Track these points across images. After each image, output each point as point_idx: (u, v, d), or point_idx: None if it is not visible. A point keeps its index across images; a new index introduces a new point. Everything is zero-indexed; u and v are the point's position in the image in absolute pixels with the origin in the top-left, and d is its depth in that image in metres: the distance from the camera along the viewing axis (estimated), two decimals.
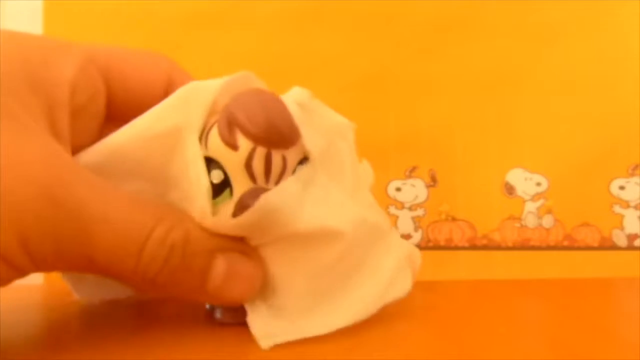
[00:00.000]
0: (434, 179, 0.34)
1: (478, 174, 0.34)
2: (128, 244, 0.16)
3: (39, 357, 0.17)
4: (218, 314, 0.20)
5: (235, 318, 0.19)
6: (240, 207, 0.17)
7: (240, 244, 0.18)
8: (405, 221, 0.34)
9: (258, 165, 0.17)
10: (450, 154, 0.34)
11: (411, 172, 0.34)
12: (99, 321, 0.21)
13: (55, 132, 0.17)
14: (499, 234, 0.34)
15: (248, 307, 0.18)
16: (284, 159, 0.17)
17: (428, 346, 0.18)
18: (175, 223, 0.17)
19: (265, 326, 0.18)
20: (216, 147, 0.17)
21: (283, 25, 0.35)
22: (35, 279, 0.28)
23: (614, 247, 0.34)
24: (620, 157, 0.34)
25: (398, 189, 0.34)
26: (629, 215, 0.34)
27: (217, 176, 0.17)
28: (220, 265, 0.17)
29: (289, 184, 0.17)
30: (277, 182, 0.18)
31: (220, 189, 0.17)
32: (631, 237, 0.34)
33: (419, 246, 0.34)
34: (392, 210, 0.34)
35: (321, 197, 0.18)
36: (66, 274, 0.21)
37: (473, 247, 0.34)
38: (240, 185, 0.17)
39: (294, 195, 0.17)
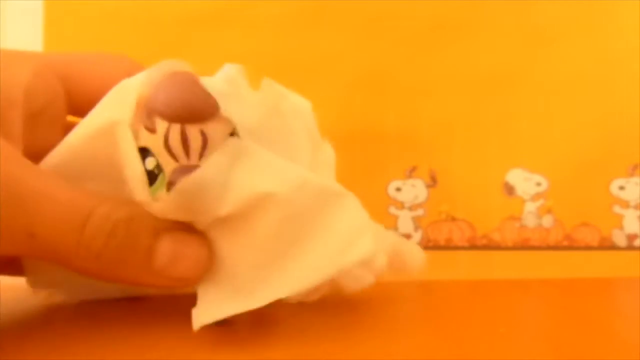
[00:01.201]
0: (433, 179, 0.34)
1: (478, 174, 0.34)
2: (71, 217, 0.16)
3: (39, 357, 0.17)
4: None
5: None
6: (169, 187, 0.17)
7: (186, 225, 0.18)
8: (405, 221, 0.34)
9: (175, 142, 0.17)
10: (450, 154, 0.34)
11: (411, 172, 0.34)
12: (99, 321, 0.21)
13: (4, 132, 0.17)
14: (499, 233, 0.34)
15: (198, 292, 0.18)
16: (203, 134, 0.17)
17: (428, 346, 0.18)
18: (118, 204, 0.17)
19: (206, 307, 0.18)
20: (143, 135, 0.18)
21: (283, 25, 0.35)
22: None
23: (614, 247, 0.34)
24: (620, 157, 0.34)
25: (398, 189, 0.34)
26: (629, 215, 0.34)
27: (150, 163, 0.17)
28: (165, 244, 0.17)
29: (213, 159, 0.17)
30: (200, 157, 0.18)
31: (156, 175, 0.17)
32: (631, 237, 0.34)
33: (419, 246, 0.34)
34: (392, 210, 0.34)
35: (252, 166, 0.18)
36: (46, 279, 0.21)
37: (473, 247, 0.34)
38: (167, 166, 0.17)
39: (220, 170, 0.17)
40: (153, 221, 0.17)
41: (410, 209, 0.34)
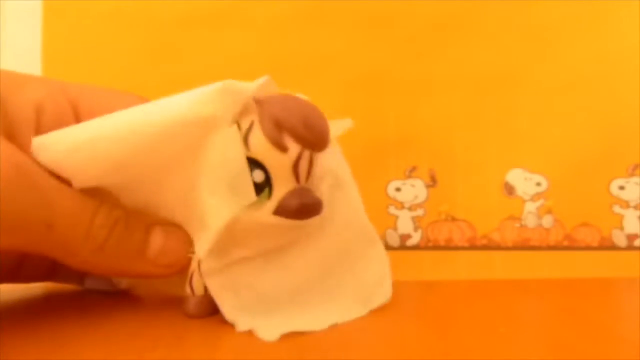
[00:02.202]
0: (433, 179, 0.34)
1: (478, 174, 0.34)
2: (83, 210, 0.18)
3: (39, 356, 0.17)
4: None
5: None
6: (284, 206, 0.18)
7: (172, 222, 0.20)
8: (405, 221, 0.34)
9: (304, 166, 0.18)
10: (450, 154, 0.34)
11: (411, 172, 0.34)
12: (99, 320, 0.20)
13: (18, 146, 0.18)
14: (499, 234, 0.34)
15: (235, 308, 0.19)
16: (318, 161, 0.19)
17: (428, 346, 0.18)
18: (115, 206, 0.19)
19: (266, 321, 0.19)
20: (261, 148, 0.18)
21: (283, 25, 0.35)
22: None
23: (614, 247, 0.34)
24: (620, 157, 0.34)
25: (398, 189, 0.34)
26: (629, 215, 0.34)
27: (258, 176, 0.18)
28: (157, 235, 0.19)
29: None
30: (307, 180, 0.19)
31: (259, 189, 0.18)
32: (631, 237, 0.34)
33: (419, 246, 0.34)
34: (392, 210, 0.34)
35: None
36: None
37: (473, 247, 0.34)
38: (284, 185, 0.18)
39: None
40: (144, 218, 0.19)
41: (410, 209, 0.34)
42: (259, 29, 0.35)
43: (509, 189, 0.34)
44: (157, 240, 0.19)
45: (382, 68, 0.35)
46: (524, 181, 0.34)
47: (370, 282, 0.21)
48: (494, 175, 0.34)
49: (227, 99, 0.18)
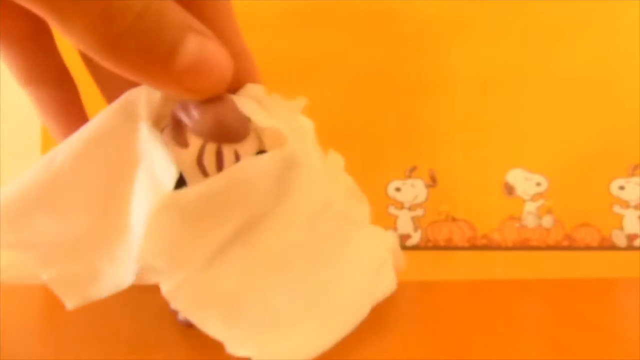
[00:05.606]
0: (433, 179, 0.34)
1: (478, 174, 0.34)
2: None
3: (39, 356, 0.17)
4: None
5: None
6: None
7: (213, 34, 0.16)
8: (405, 221, 0.34)
9: (209, 160, 0.17)
10: (450, 154, 0.34)
11: (411, 172, 0.34)
12: (98, 322, 0.20)
13: None
14: (499, 234, 0.34)
15: (219, 324, 0.17)
16: (237, 154, 0.18)
17: (428, 346, 0.18)
18: None
19: (258, 342, 0.17)
20: (169, 147, 0.17)
21: (283, 24, 0.35)
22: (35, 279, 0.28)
23: (614, 247, 0.34)
24: (620, 157, 0.34)
25: (398, 189, 0.34)
26: (629, 216, 0.34)
27: None
28: (192, 43, 0.15)
29: (263, 159, 0.17)
30: None
31: (175, 188, 0.17)
32: (631, 237, 0.34)
33: (419, 246, 0.34)
34: (392, 210, 0.34)
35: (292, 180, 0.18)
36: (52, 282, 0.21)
37: (473, 247, 0.34)
38: (194, 182, 0.17)
39: (267, 173, 0.17)
40: (183, 14, 0.15)
41: (410, 209, 0.34)
42: (258, 28, 0.35)
43: (509, 189, 0.34)
44: (190, 49, 0.15)
45: (382, 68, 0.35)
46: (524, 181, 0.34)
47: (363, 274, 0.19)
48: (494, 175, 0.34)
49: (142, 105, 0.18)
